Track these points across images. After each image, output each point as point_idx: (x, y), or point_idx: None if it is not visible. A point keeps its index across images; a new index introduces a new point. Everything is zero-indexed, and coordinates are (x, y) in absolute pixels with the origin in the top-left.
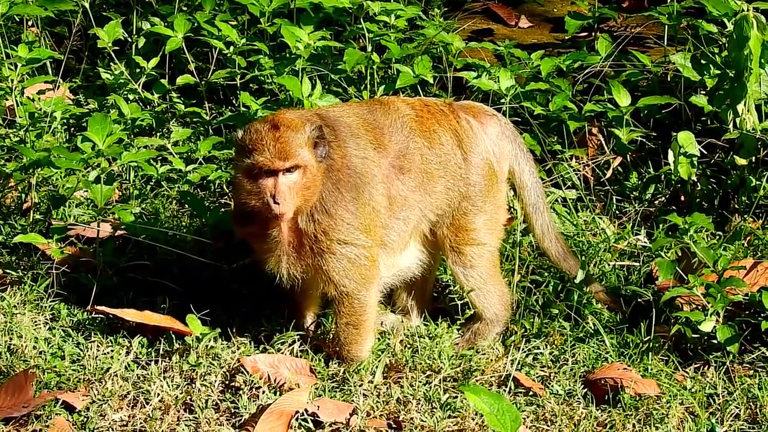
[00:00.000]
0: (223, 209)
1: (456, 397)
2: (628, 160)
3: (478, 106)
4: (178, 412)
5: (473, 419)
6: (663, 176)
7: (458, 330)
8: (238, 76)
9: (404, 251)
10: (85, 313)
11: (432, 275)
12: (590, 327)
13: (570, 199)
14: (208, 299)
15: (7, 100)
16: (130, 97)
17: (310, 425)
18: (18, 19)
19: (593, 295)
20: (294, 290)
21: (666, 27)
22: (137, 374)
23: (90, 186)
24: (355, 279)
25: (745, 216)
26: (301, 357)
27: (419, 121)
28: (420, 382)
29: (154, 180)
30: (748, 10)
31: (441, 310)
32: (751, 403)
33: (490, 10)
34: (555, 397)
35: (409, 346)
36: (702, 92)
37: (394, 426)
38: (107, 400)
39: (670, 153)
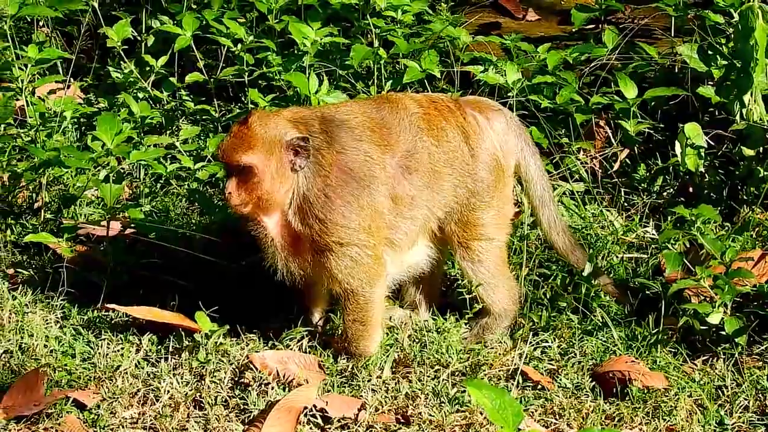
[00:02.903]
0: None
1: (464, 391)
2: (636, 152)
3: (483, 101)
4: (188, 409)
5: (481, 413)
6: (671, 168)
7: (466, 324)
8: (247, 74)
9: (412, 248)
10: (96, 311)
11: (440, 270)
12: (598, 320)
13: (578, 192)
14: (218, 296)
15: (17, 100)
16: (140, 95)
17: (319, 420)
18: (28, 20)
19: (601, 288)
20: (302, 286)
21: (673, 18)
22: (147, 372)
23: (100, 185)
24: (360, 277)
25: (753, 207)
26: (309, 353)
27: (427, 119)
28: (428, 376)
29: (163, 178)
30: (753, 1)
31: (449, 305)
32: (760, 395)
33: (497, 4)
34: (563, 391)
35: (417, 340)
36: (709, 83)
37: (402, 421)
38: (117, 398)
39: (678, 145)
